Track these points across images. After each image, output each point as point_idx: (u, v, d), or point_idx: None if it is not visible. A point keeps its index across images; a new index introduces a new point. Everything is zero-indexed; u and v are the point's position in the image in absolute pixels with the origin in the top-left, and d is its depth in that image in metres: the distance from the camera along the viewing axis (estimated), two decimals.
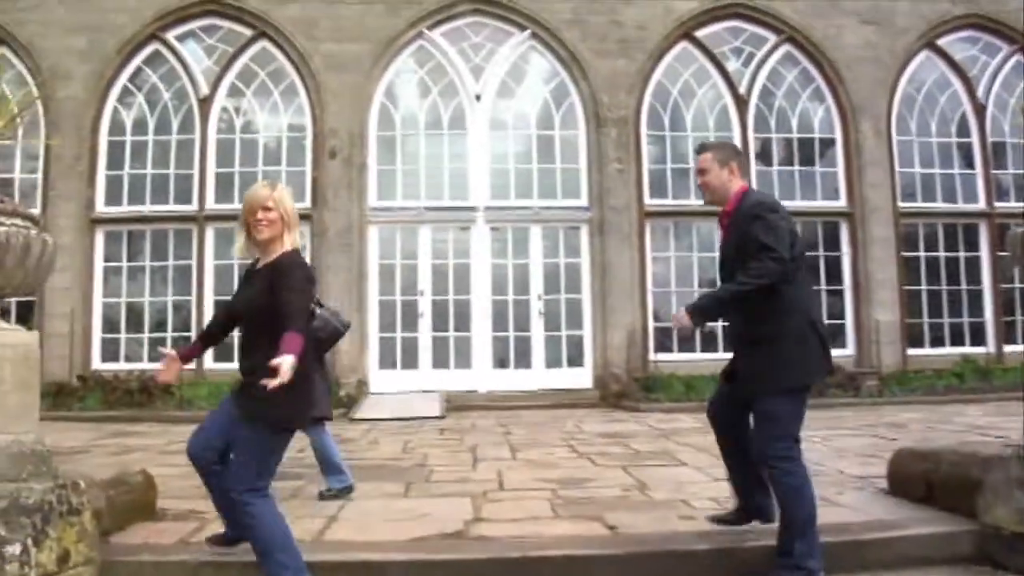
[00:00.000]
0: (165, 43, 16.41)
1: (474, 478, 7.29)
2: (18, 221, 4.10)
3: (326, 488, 6.49)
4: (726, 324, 5.06)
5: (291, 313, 4.03)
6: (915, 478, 5.83)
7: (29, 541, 3.74)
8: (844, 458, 8.02)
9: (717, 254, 5.07)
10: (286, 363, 3.76)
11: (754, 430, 4.66)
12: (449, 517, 5.59)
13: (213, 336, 4.73)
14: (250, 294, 4.30)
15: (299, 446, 9.74)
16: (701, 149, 4.97)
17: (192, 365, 5.42)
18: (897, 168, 16.80)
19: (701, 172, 4.87)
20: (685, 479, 6.95)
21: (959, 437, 8.89)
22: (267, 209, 4.26)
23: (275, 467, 4.31)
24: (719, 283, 4.89)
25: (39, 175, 16.08)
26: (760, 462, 4.62)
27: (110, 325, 15.97)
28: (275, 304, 4.07)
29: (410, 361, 16.07)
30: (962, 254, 17.04)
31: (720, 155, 4.85)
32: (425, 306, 16.15)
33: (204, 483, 4.46)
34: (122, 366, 15.22)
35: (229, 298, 4.94)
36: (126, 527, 5.17)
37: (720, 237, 4.94)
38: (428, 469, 7.88)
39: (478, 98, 16.55)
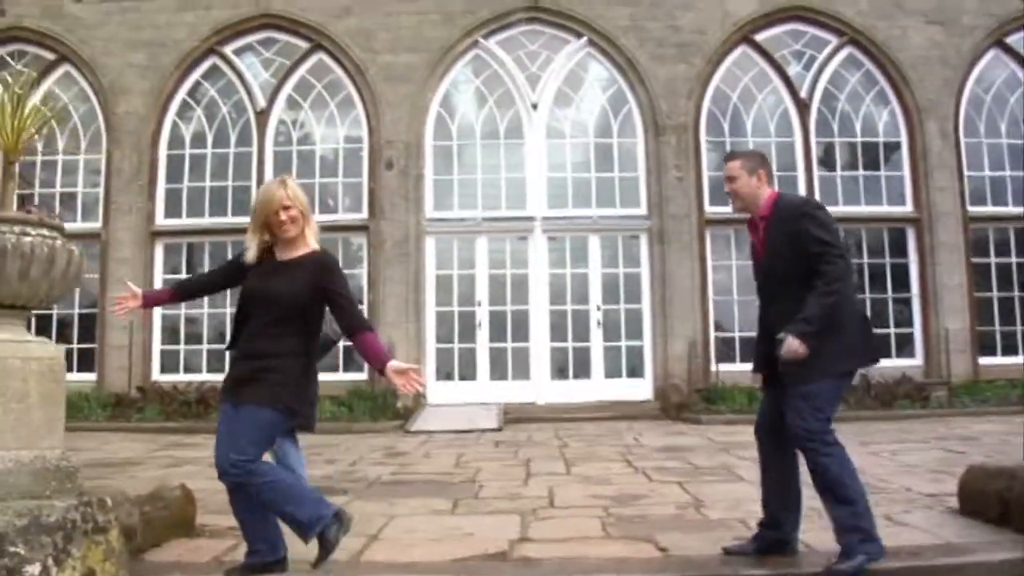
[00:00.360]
0: (223, 57, 16.56)
1: (525, 494, 7.09)
2: (44, 231, 4.04)
3: None
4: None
5: (357, 313, 4.46)
6: (988, 497, 5.46)
7: (50, 560, 3.62)
8: (912, 474, 7.68)
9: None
10: (405, 364, 4.21)
11: (788, 410, 4.57)
12: (495, 536, 5.41)
13: (190, 293, 5.08)
14: (288, 286, 4.34)
15: (350, 460, 9.74)
16: (729, 157, 5.07)
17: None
18: (965, 172, 16.31)
19: (730, 180, 4.92)
20: (743, 496, 6.69)
21: None
22: (287, 208, 4.36)
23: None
24: (758, 288, 5.07)
25: (101, 189, 16.32)
26: (795, 438, 4.56)
27: (170, 337, 16.10)
28: (311, 299, 4.33)
29: (468, 372, 15.99)
30: None
31: (749, 163, 4.89)
32: (483, 316, 16.04)
33: (230, 499, 4.36)
34: (181, 377, 15.36)
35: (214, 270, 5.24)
36: (162, 544, 5.08)
37: (754, 242, 4.99)
38: (478, 484, 7.70)
39: (535, 107, 16.42)
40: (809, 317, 4.46)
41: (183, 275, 16.20)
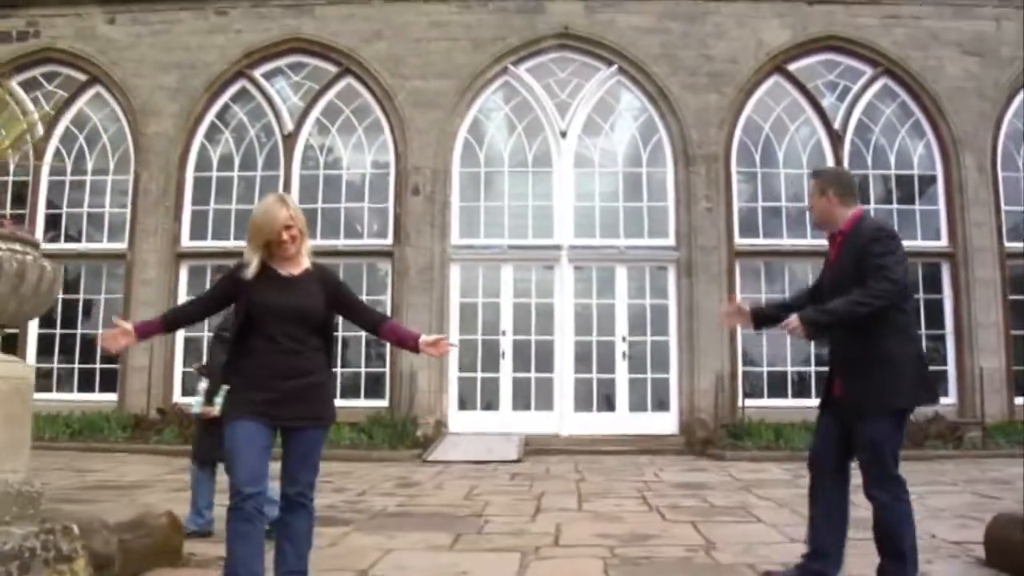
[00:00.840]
0: (252, 80, 16.55)
1: (530, 530, 6.85)
2: (16, 246, 3.91)
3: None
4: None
5: (374, 310, 4.76)
6: (1016, 547, 5.15)
7: None
8: (939, 519, 7.32)
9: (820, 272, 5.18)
10: (434, 336, 4.47)
11: (860, 459, 4.61)
12: None
13: (176, 323, 4.79)
14: (309, 300, 4.35)
15: (360, 489, 9.55)
16: (812, 175, 5.21)
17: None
18: (1003, 206, 15.91)
19: (809, 197, 5.11)
20: (757, 539, 6.43)
21: None
22: (289, 227, 4.32)
23: None
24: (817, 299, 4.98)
25: (128, 209, 16.32)
26: (864, 489, 4.58)
27: (194, 359, 16.00)
28: (328, 312, 4.42)
29: (490, 402, 15.77)
30: None
31: (820, 184, 4.98)
32: (507, 346, 15.82)
33: (238, 528, 4.11)
34: None
35: (207, 291, 4.87)
36: (142, 573, 4.87)
37: (828, 258, 5.02)
38: (484, 519, 7.46)
39: (564, 135, 16.25)
40: (827, 309, 4.56)
41: None
